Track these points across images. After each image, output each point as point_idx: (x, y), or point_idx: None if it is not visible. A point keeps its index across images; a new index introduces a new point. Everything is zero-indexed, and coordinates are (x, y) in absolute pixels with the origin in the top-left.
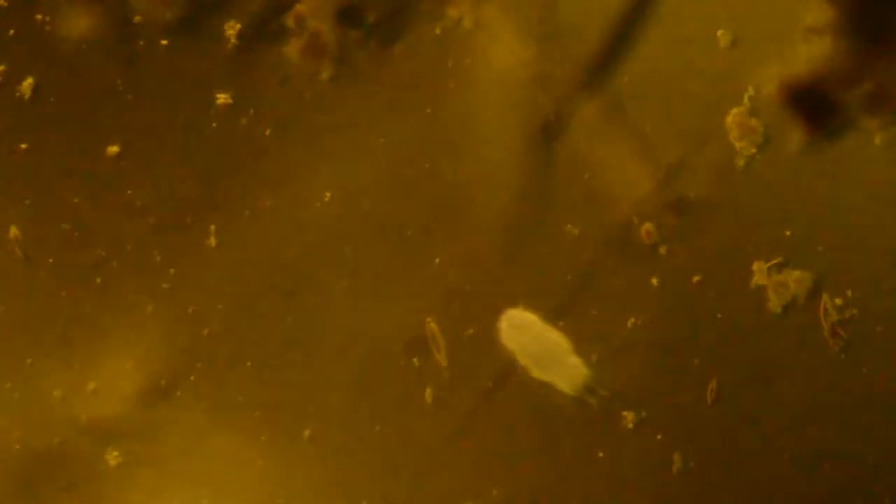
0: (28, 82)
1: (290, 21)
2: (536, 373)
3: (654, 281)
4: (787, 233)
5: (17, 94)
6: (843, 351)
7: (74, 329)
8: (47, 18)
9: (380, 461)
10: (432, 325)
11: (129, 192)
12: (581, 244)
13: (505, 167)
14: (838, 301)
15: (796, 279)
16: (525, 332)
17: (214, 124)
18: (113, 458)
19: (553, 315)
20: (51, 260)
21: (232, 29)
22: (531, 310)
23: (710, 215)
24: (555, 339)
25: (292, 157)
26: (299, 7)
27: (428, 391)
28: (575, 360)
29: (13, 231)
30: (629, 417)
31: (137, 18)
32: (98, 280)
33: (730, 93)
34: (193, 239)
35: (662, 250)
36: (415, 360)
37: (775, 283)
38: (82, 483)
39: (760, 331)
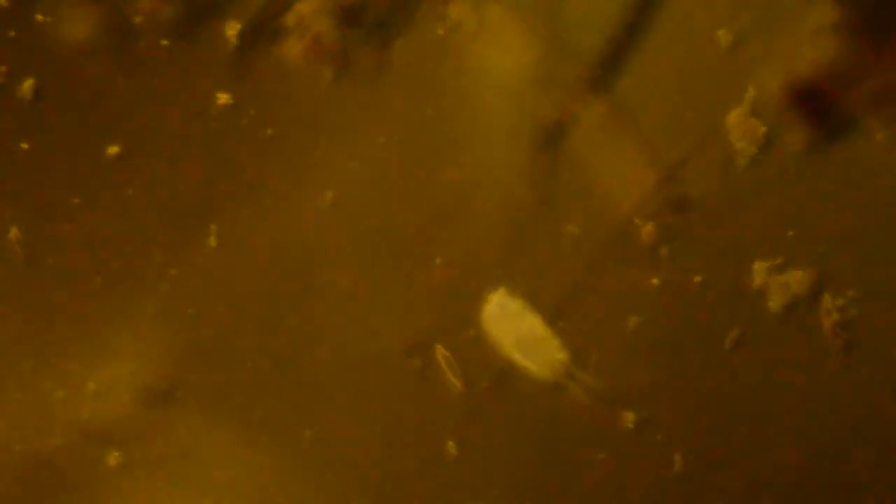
0: (29, 83)
1: (290, 21)
2: (518, 358)
3: (655, 281)
4: (788, 233)
5: (18, 95)
6: (844, 351)
7: (74, 330)
8: (48, 19)
9: (380, 461)
10: (444, 352)
11: (129, 192)
12: (581, 244)
13: (506, 168)
14: (839, 301)
15: (797, 279)
16: (505, 317)
17: (214, 124)
18: (113, 458)
19: (553, 315)
20: (51, 260)
21: (232, 29)
22: (519, 299)
23: (711, 215)
24: (534, 323)
25: (292, 157)
26: (299, 7)
27: (428, 391)
28: (556, 346)
29: (13, 231)
30: (629, 417)
31: (137, 19)
32: (98, 280)
33: (731, 93)
34: (193, 239)
35: (663, 250)
36: (415, 360)
37: (776, 283)
38: (83, 484)
39: (761, 331)
